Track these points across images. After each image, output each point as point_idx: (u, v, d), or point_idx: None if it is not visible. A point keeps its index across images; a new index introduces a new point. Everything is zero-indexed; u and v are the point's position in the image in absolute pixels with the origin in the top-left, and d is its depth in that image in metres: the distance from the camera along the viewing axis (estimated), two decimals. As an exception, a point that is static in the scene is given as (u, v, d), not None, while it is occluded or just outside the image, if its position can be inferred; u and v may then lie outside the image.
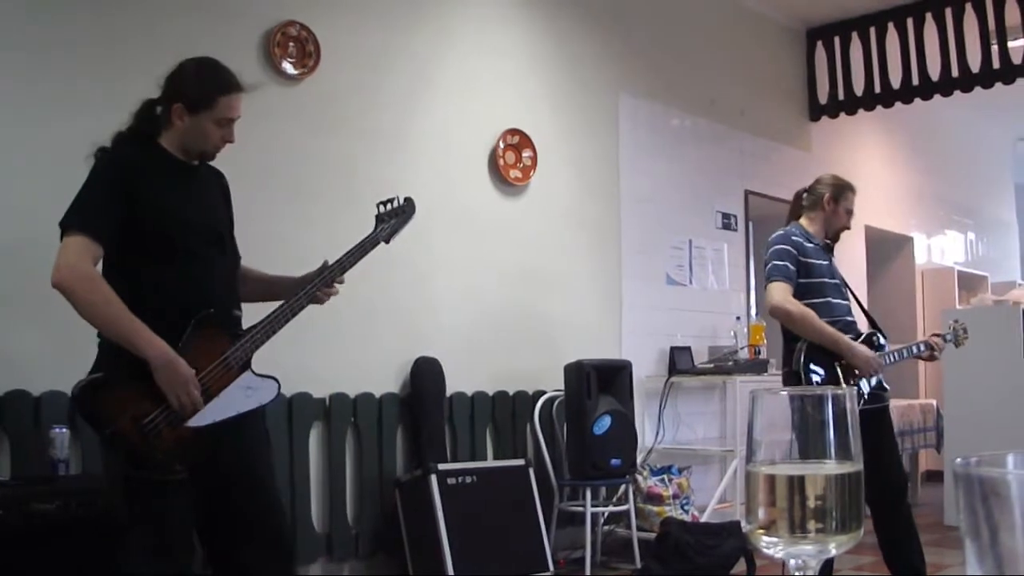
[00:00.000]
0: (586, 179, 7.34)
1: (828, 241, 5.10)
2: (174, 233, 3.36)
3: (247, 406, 3.42)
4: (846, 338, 4.82)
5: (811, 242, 4.99)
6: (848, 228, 5.20)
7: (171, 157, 3.44)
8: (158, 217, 3.32)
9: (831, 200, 5.04)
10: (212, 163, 3.67)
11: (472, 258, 6.47)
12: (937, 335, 5.28)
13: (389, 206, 3.93)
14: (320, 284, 3.65)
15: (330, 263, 3.70)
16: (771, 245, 4.99)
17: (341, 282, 3.74)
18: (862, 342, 4.87)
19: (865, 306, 5.31)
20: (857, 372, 4.80)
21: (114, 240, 3.27)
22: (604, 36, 7.55)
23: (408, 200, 3.98)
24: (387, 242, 3.89)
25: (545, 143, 6.94)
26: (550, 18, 7.18)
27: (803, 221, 5.08)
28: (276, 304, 3.57)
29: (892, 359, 4.94)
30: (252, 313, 3.63)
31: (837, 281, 5.00)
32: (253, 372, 3.46)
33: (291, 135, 5.60)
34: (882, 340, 4.99)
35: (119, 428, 3.17)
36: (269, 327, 3.49)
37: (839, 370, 4.84)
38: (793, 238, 4.99)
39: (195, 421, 3.26)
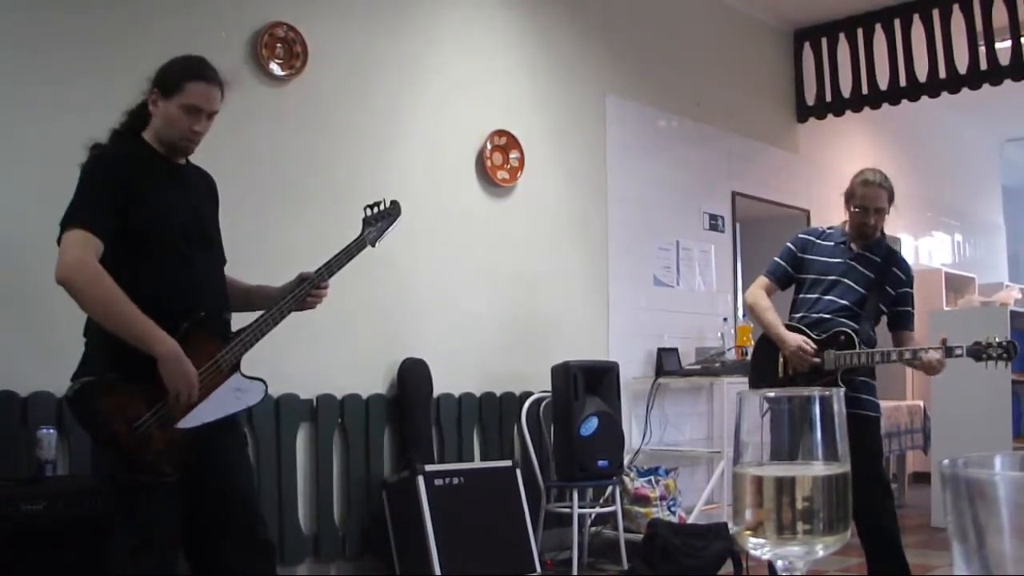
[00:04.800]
0: (573, 180, 7.34)
1: (855, 239, 4.97)
2: (161, 231, 3.36)
3: (236, 407, 3.45)
4: (778, 327, 4.92)
5: (832, 240, 5.02)
6: (865, 224, 4.90)
7: (156, 153, 3.45)
8: (145, 214, 3.33)
9: (844, 200, 5.01)
10: (199, 165, 3.68)
11: (459, 259, 6.46)
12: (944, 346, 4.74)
13: (376, 209, 3.96)
14: (308, 288, 3.66)
15: (312, 273, 3.72)
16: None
17: (326, 286, 3.75)
18: (828, 337, 4.85)
19: (907, 307, 5.05)
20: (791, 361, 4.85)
21: (112, 235, 3.27)
22: (591, 37, 7.55)
23: (394, 203, 4.00)
24: (373, 245, 3.91)
25: (532, 144, 6.94)
26: (536, 19, 7.17)
27: (845, 219, 5.09)
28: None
29: (846, 360, 4.78)
30: (238, 318, 3.64)
31: (842, 279, 4.92)
32: (242, 374, 3.47)
33: (278, 136, 5.59)
34: (847, 339, 4.86)
35: (113, 432, 3.17)
36: (258, 329, 3.51)
37: (780, 363, 4.93)
38: (802, 236, 5.12)
39: (185, 423, 3.26)
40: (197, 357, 3.32)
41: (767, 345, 5.04)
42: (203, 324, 3.38)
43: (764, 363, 5.05)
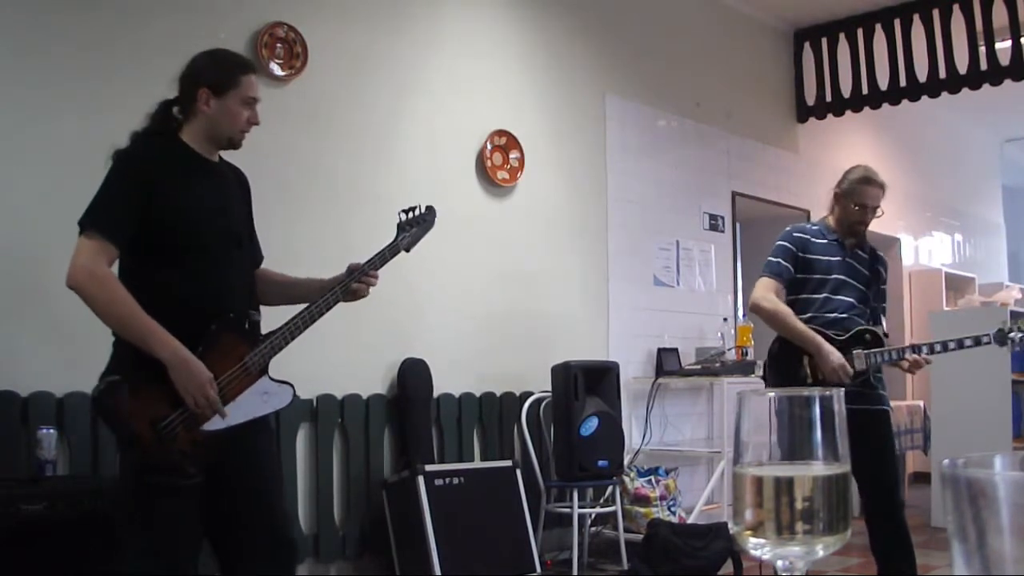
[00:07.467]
0: (573, 180, 7.33)
1: (845, 236, 4.97)
2: (191, 231, 3.36)
3: (263, 411, 3.45)
4: (818, 339, 4.76)
5: (825, 237, 4.95)
6: (863, 222, 4.94)
7: (191, 153, 3.44)
8: (175, 215, 3.32)
9: (839, 196, 4.97)
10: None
11: (459, 259, 6.46)
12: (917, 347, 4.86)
13: (411, 214, 3.93)
14: (340, 291, 3.65)
15: (343, 275, 3.71)
16: (776, 240, 5.02)
17: (376, 275, 3.74)
18: (851, 337, 4.83)
19: (884, 303, 5.13)
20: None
21: (131, 240, 3.27)
22: (591, 37, 7.55)
23: (430, 208, 3.98)
24: (407, 250, 3.89)
25: (532, 144, 6.94)
26: (537, 19, 7.17)
27: (829, 215, 5.06)
28: (296, 308, 3.58)
29: (878, 359, 4.81)
30: (271, 316, 3.64)
31: (845, 278, 4.90)
32: (270, 377, 3.48)
33: (278, 136, 5.58)
34: (873, 337, 4.90)
35: (137, 431, 3.18)
36: (289, 332, 3.50)
37: (807, 367, 4.84)
38: (797, 234, 4.97)
39: (211, 425, 3.27)
40: (225, 359, 3.33)
41: (791, 350, 4.88)
42: (232, 325, 3.38)
43: (786, 368, 4.91)
